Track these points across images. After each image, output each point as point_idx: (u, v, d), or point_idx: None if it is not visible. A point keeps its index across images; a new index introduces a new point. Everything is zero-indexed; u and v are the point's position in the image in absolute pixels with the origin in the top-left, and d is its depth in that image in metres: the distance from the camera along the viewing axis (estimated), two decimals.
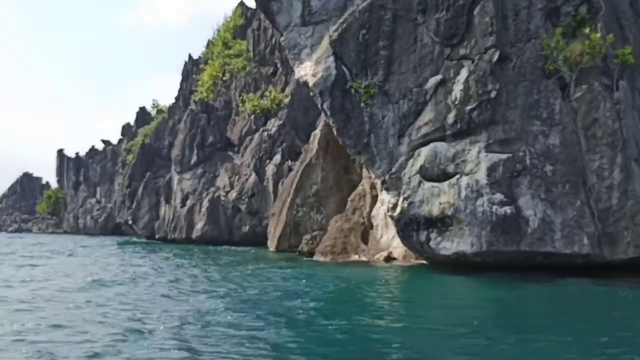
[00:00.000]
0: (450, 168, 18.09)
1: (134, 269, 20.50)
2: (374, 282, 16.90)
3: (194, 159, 42.57)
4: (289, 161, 40.12)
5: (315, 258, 25.12)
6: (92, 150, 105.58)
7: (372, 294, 14.68)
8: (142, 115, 62.03)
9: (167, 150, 49.45)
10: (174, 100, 57.59)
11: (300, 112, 43.53)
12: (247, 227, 40.07)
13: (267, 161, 40.65)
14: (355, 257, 24.24)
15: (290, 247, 29.32)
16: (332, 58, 18.93)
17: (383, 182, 18.80)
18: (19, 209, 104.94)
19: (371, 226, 25.09)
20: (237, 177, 40.86)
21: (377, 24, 18.82)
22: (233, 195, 39.95)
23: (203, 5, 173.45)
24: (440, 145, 18.26)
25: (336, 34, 19.02)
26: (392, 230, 23.32)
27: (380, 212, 24.15)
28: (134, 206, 45.12)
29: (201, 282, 16.56)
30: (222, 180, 41.55)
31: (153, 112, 59.55)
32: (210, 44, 56.53)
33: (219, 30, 55.41)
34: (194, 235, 40.63)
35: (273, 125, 41.82)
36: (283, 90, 43.76)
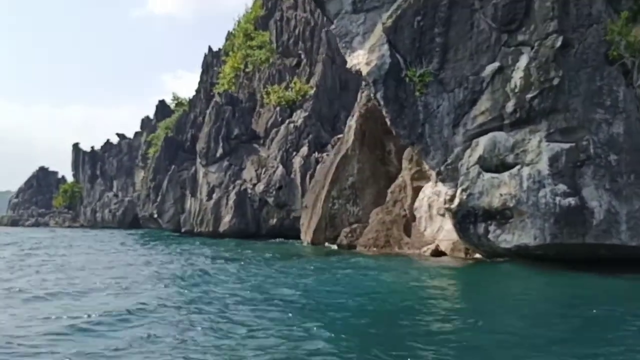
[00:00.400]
0: (510, 158, 17.46)
1: (187, 264, 20.04)
2: (447, 276, 16.35)
3: (220, 151, 42.03)
4: (316, 153, 39.59)
5: (358, 251, 24.57)
6: (107, 144, 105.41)
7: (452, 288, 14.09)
8: (162, 108, 61.49)
9: (190, 143, 48.93)
10: (194, 93, 57.05)
11: (325, 103, 42.93)
12: (275, 220, 39.54)
13: (294, 153, 40.06)
14: (398, 250, 23.67)
15: (326, 239, 28.78)
16: (386, 46, 18.31)
17: (438, 173, 18.20)
18: (35, 203, 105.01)
19: (413, 218, 24.47)
20: (263, 170, 40.30)
21: (433, 10, 18.17)
22: (260, 187, 39.38)
23: None
24: (499, 135, 17.63)
25: (390, 21, 18.38)
26: (437, 222, 22.74)
27: (423, 203, 23.54)
28: (158, 199, 44.66)
29: (272, 284, 15.14)
30: (249, 172, 41.00)
31: (173, 105, 58.92)
32: (230, 35, 55.89)
33: (239, 22, 54.75)
34: (222, 228, 40.12)
35: (299, 117, 41.22)
36: (308, 81, 43.12)
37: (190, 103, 54.12)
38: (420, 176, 24.78)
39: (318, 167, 33.62)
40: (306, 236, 30.15)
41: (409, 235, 24.12)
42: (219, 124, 42.45)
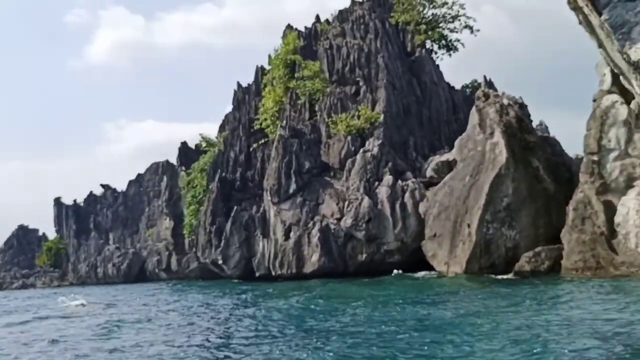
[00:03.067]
0: None
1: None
2: None
3: (293, 187, 38.51)
4: (399, 181, 36.69)
5: (561, 276, 21.63)
6: (91, 196, 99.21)
7: None
8: (185, 151, 57.26)
9: (240, 182, 45.14)
10: (225, 132, 53.40)
11: (394, 130, 40.28)
12: (364, 256, 36.14)
13: (376, 183, 37.02)
14: (615, 271, 20.87)
15: (481, 268, 25.76)
16: None
17: None
18: (17, 264, 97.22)
19: (611, 235, 21.83)
20: (346, 203, 36.99)
21: None
22: (348, 222, 35.97)
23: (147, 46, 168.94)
24: None
25: None
26: None
27: (629, 217, 20.96)
28: (222, 244, 40.46)
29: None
30: (329, 207, 37.57)
31: (202, 145, 54.90)
32: (260, 70, 52.83)
33: (270, 57, 51.86)
34: (308, 269, 36.35)
35: (373, 145, 38.31)
36: (373, 108, 40.45)
37: (224, 142, 50.36)
38: (605, 189, 22.30)
39: (438, 192, 30.58)
40: (449, 267, 27.02)
41: (616, 254, 21.41)
42: (289, 158, 39.02)
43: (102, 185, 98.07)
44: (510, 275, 23.96)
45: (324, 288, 26.94)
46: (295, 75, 45.24)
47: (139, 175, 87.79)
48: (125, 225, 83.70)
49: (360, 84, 41.86)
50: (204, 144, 53.44)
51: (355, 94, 41.97)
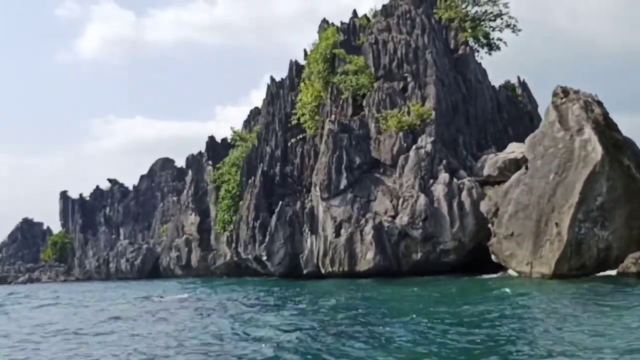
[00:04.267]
0: None
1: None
2: None
3: (344, 182, 37.07)
4: (454, 179, 35.39)
5: None
6: (97, 190, 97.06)
7: None
8: (212, 145, 55.52)
9: (280, 178, 43.61)
10: (256, 126, 51.83)
11: (444, 127, 39.03)
12: (419, 255, 34.80)
13: (431, 181, 35.70)
14: None
15: (571, 269, 24.50)
16: None
17: None
18: (21, 258, 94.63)
19: None
20: (400, 201, 35.61)
21: None
22: (404, 220, 34.60)
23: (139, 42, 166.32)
24: None
25: None
26: None
27: None
28: (266, 240, 38.87)
29: None
30: (382, 204, 36.19)
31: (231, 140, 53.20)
32: (293, 65, 51.35)
33: (306, 53, 50.43)
34: (361, 267, 34.92)
35: (426, 142, 36.97)
36: (422, 104, 39.14)
37: (258, 136, 48.77)
38: None
39: (511, 190, 29.24)
40: (533, 267, 25.72)
41: None
42: (339, 153, 37.57)
43: (110, 180, 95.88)
44: (610, 272, 22.70)
45: (410, 289, 25.50)
46: (337, 69, 43.78)
47: (150, 170, 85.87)
48: (136, 221, 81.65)
49: (408, 79, 40.54)
50: (236, 139, 51.65)
51: (403, 89, 40.63)
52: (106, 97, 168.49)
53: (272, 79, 51.37)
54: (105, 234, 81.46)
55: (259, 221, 39.47)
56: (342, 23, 49.51)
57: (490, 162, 35.08)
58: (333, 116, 39.85)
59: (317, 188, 37.52)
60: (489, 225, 32.18)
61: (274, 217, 38.81)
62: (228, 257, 51.62)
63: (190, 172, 57.81)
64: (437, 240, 34.37)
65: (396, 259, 35.08)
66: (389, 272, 34.39)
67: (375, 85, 40.73)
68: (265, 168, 42.34)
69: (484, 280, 28.30)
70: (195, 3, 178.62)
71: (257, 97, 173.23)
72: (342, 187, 36.84)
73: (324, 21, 50.86)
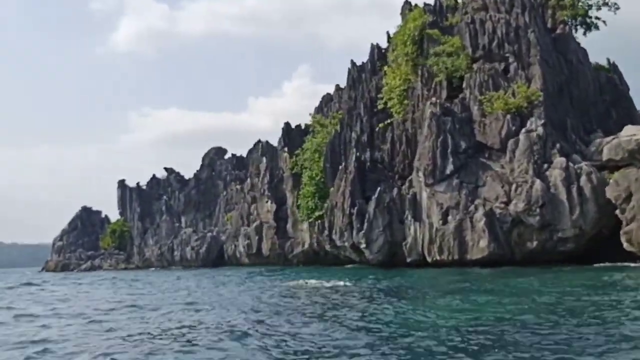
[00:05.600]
0: None
1: None
2: None
3: (450, 168, 34.97)
4: (572, 164, 32.98)
5: None
6: (154, 179, 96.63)
7: None
8: (287, 131, 53.85)
9: (370, 163, 41.71)
10: (334, 112, 49.97)
11: (552, 109, 36.60)
12: (535, 243, 32.57)
13: (545, 166, 33.38)
14: None
15: None
16: None
17: None
18: (81, 246, 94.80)
19: None
20: (513, 187, 33.38)
21: None
22: (519, 206, 32.38)
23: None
24: None
25: None
26: None
27: None
28: (365, 227, 37.02)
29: None
30: (492, 190, 33.99)
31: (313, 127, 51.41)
32: (375, 49, 49.32)
33: (389, 36, 48.37)
34: (473, 255, 32.86)
35: (536, 125, 34.62)
36: (528, 86, 36.74)
37: (341, 122, 46.89)
38: None
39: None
40: None
41: None
42: (443, 138, 35.46)
43: (166, 169, 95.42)
44: None
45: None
46: (428, 51, 41.59)
47: (207, 158, 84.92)
48: (197, 209, 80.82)
49: (510, 60, 38.15)
50: (316, 125, 49.85)
51: (505, 70, 38.27)
52: (141, 89, 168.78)
53: (353, 63, 49.44)
54: (166, 222, 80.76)
55: (355, 208, 37.59)
56: (425, 4, 47.26)
57: (611, 146, 32.57)
58: (433, 98, 37.61)
59: (421, 173, 35.49)
60: (617, 211, 29.93)
61: (372, 204, 36.93)
62: (307, 245, 50.12)
63: (264, 160, 56.18)
64: (555, 228, 32.11)
65: (509, 247, 32.95)
66: (502, 261, 32.31)
67: (475, 66, 38.46)
68: (358, 154, 40.35)
69: (622, 269, 25.89)
70: None
71: (290, 89, 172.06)
72: (448, 172, 34.76)
73: (407, 3, 48.70)
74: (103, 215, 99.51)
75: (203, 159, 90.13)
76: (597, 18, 43.16)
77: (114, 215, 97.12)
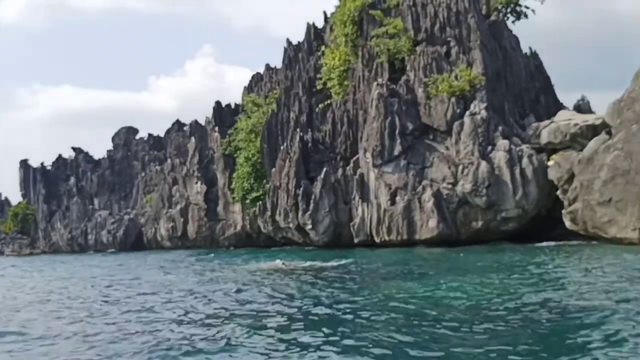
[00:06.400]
0: None
1: None
2: None
3: (398, 149, 34.95)
4: (514, 147, 34.00)
5: None
6: (60, 159, 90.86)
7: None
8: (219, 110, 51.88)
9: (312, 144, 40.99)
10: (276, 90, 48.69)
11: (492, 93, 37.51)
12: (480, 223, 33.38)
13: (489, 148, 34.19)
14: None
15: None
16: None
17: None
18: None
19: None
20: (459, 168, 33.91)
21: None
22: (467, 187, 32.99)
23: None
24: None
25: None
26: None
27: None
28: (311, 208, 36.35)
29: None
30: (439, 171, 34.36)
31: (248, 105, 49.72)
32: (311, 28, 48.43)
33: (326, 15, 47.58)
34: (422, 235, 33.16)
35: (479, 108, 35.37)
36: (470, 70, 37.39)
37: (277, 102, 45.77)
38: None
39: (603, 155, 27.97)
40: None
41: None
42: (391, 119, 35.36)
43: (74, 149, 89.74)
44: None
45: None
46: (370, 32, 41.32)
47: (127, 139, 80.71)
48: (112, 191, 76.63)
49: (452, 44, 38.59)
50: (249, 105, 48.29)
51: (446, 54, 38.70)
52: (31, 64, 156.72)
53: (289, 42, 48.30)
54: (77, 204, 75.95)
55: (301, 189, 36.79)
56: None
57: (550, 130, 33.80)
58: (380, 79, 37.37)
59: (368, 154, 35.24)
60: (558, 192, 31.14)
61: (318, 185, 36.34)
62: (239, 227, 48.83)
63: (193, 139, 53.88)
64: (499, 208, 33.03)
65: (455, 227, 33.54)
66: (449, 241, 32.85)
67: (418, 49, 38.57)
68: (301, 134, 39.46)
69: (566, 247, 27.03)
70: None
71: (193, 68, 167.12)
72: (396, 153, 34.76)
73: None
74: (3, 198, 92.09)
75: (113, 138, 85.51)
76: (526, 7, 44.52)
77: (14, 198, 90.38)
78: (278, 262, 23.23)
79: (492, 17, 42.36)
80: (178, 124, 78.92)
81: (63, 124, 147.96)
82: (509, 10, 44.60)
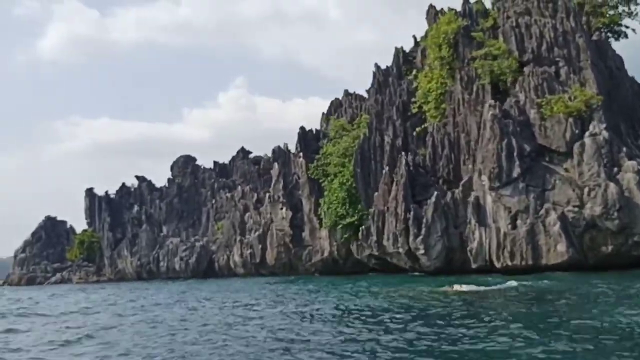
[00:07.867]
0: None
1: None
2: None
3: (517, 171, 33.18)
4: None
5: None
6: (124, 187, 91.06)
7: None
8: (303, 136, 50.91)
9: (413, 168, 39.45)
10: (364, 116, 47.56)
11: (614, 113, 35.77)
12: (610, 247, 31.22)
13: (615, 169, 32.20)
14: None
15: None
16: None
17: None
18: (46, 257, 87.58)
19: None
20: (584, 190, 31.93)
21: None
22: (596, 210, 30.96)
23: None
24: None
25: None
26: None
27: None
28: (423, 232, 34.66)
29: None
30: (563, 193, 32.43)
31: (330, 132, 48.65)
32: (399, 53, 47.39)
33: (416, 40, 46.52)
34: (549, 261, 31.10)
35: (599, 128, 33.49)
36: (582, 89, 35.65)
37: (369, 126, 44.53)
38: None
39: None
40: None
41: None
42: (507, 141, 33.69)
43: (137, 177, 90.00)
44: None
45: None
46: (467, 55, 40.03)
47: (194, 167, 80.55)
48: (180, 218, 76.09)
49: (560, 64, 36.98)
50: (337, 130, 47.19)
51: (556, 74, 37.07)
52: (69, 97, 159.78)
53: (378, 67, 47.24)
54: (147, 232, 75.50)
55: (411, 213, 35.16)
56: (449, 9, 45.76)
57: None
58: (492, 101, 35.86)
59: (484, 177, 33.54)
60: None
61: (429, 208, 34.67)
62: (327, 253, 47.32)
63: (276, 165, 52.88)
64: (631, 232, 30.90)
65: (582, 251, 31.45)
66: (577, 266, 30.74)
67: (526, 70, 37.06)
68: (407, 158, 38.02)
69: None
70: (159, 2, 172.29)
71: (226, 100, 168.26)
72: (514, 175, 32.99)
73: (432, 7, 47.12)
74: (68, 226, 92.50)
75: (172, 167, 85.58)
76: (626, 27, 42.85)
77: (79, 225, 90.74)
78: (457, 286, 21.51)
79: (594, 37, 40.74)
80: (243, 152, 78.62)
81: (102, 154, 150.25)
82: (607, 30, 43.03)
